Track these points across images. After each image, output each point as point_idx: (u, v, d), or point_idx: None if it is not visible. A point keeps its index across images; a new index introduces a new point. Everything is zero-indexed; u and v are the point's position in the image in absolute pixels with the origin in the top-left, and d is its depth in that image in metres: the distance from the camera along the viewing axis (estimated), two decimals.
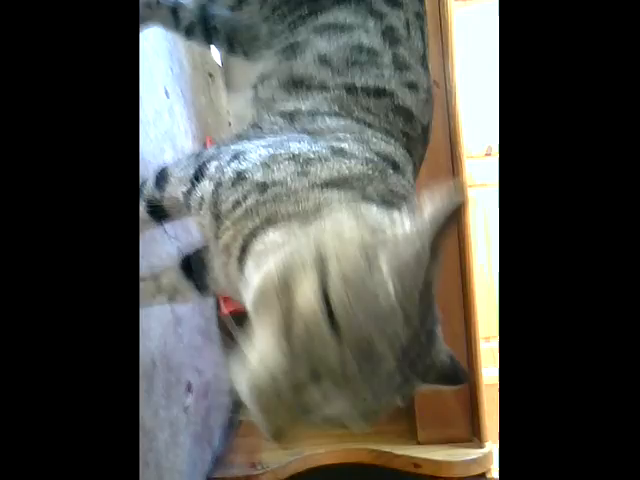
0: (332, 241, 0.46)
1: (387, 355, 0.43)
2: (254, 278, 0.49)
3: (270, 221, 0.51)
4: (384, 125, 0.64)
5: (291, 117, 0.64)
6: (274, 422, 0.45)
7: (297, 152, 0.54)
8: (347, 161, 0.54)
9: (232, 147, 0.59)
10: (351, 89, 0.63)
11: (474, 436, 1.04)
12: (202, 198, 0.58)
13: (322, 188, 0.52)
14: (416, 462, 1.05)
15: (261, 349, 0.45)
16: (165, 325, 0.87)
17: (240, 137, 0.64)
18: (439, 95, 1.16)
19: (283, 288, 0.45)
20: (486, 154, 1.41)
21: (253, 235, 0.53)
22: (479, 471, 0.97)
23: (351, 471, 1.09)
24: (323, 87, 0.64)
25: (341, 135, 0.59)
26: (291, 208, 0.51)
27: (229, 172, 0.55)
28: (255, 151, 0.56)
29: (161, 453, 0.82)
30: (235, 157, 0.56)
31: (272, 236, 0.50)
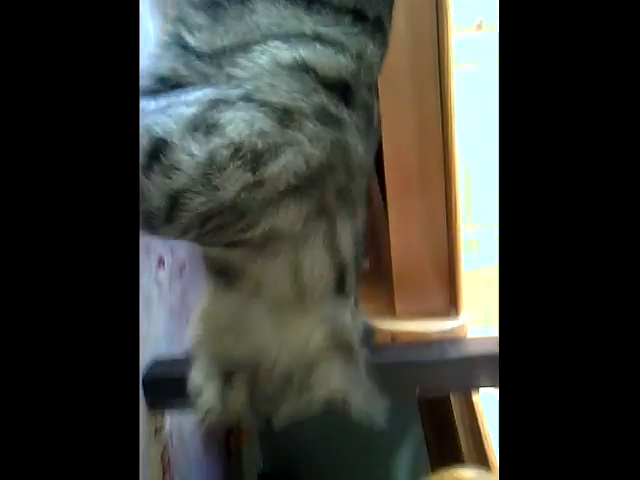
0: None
1: None
2: None
3: (230, 242, 0.51)
4: None
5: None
6: None
7: (237, 139, 0.45)
8: (301, 139, 0.47)
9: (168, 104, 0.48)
10: None
11: (451, 306, 1.04)
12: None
13: (275, 207, 0.48)
14: (393, 334, 1.06)
15: None
16: None
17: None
18: None
19: None
20: (477, 28, 1.30)
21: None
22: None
23: None
24: None
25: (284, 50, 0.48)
26: (241, 235, 0.49)
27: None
28: (185, 147, 0.45)
29: None
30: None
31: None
